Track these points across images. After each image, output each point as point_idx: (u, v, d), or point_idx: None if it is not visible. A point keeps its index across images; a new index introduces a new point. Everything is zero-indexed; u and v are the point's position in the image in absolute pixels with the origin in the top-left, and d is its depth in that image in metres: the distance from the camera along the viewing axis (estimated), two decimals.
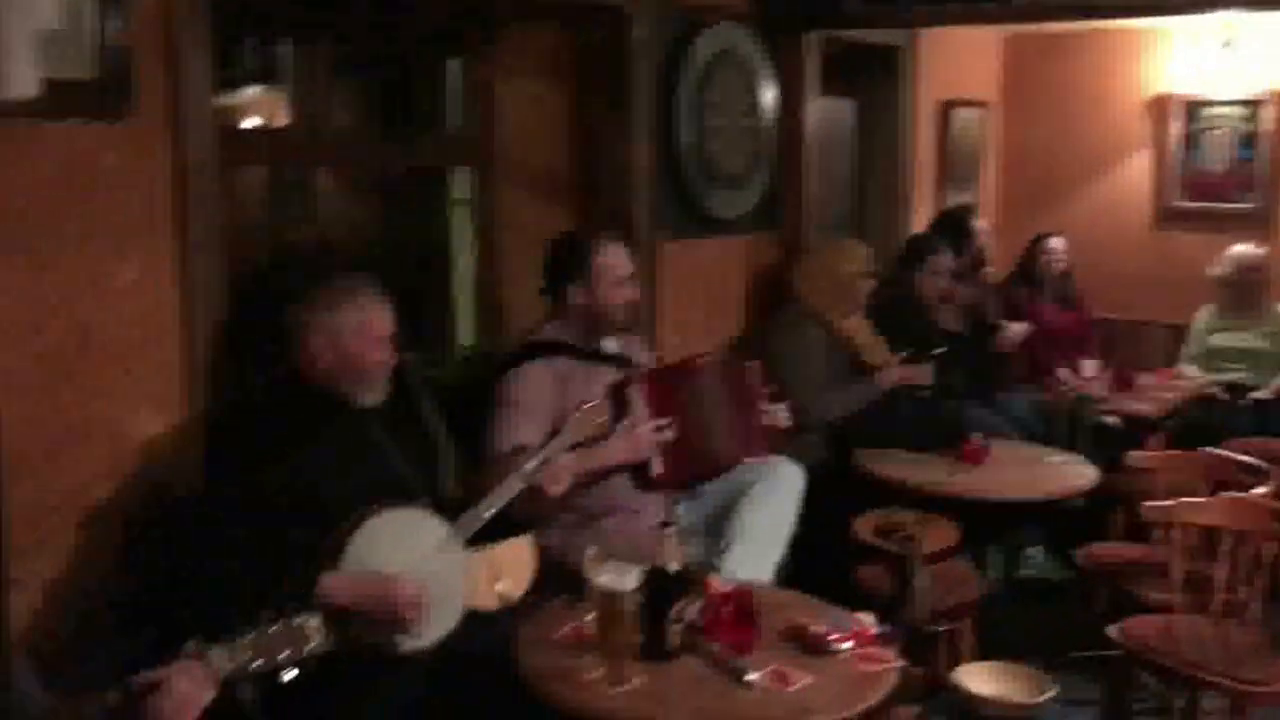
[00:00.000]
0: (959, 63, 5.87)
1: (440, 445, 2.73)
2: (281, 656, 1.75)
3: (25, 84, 1.34)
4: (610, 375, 3.06)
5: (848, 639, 2.34)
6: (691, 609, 2.31)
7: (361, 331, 2.49)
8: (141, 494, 2.44)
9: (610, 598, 2.21)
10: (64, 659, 2.23)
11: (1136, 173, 6.04)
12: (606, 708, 2.11)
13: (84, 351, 2.35)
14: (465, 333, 3.92)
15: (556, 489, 2.73)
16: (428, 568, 2.38)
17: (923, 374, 4.16)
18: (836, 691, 2.19)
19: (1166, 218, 5.98)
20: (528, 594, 2.64)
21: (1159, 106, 5.93)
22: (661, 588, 2.26)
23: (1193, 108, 5.84)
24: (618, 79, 3.70)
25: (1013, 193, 6.34)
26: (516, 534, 2.66)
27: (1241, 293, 5.24)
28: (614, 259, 3.08)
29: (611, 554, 2.38)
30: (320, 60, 3.36)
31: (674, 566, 2.27)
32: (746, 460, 3.16)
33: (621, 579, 2.22)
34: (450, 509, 2.53)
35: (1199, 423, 4.74)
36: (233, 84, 3.51)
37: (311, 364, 2.49)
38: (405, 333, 2.61)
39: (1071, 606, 3.96)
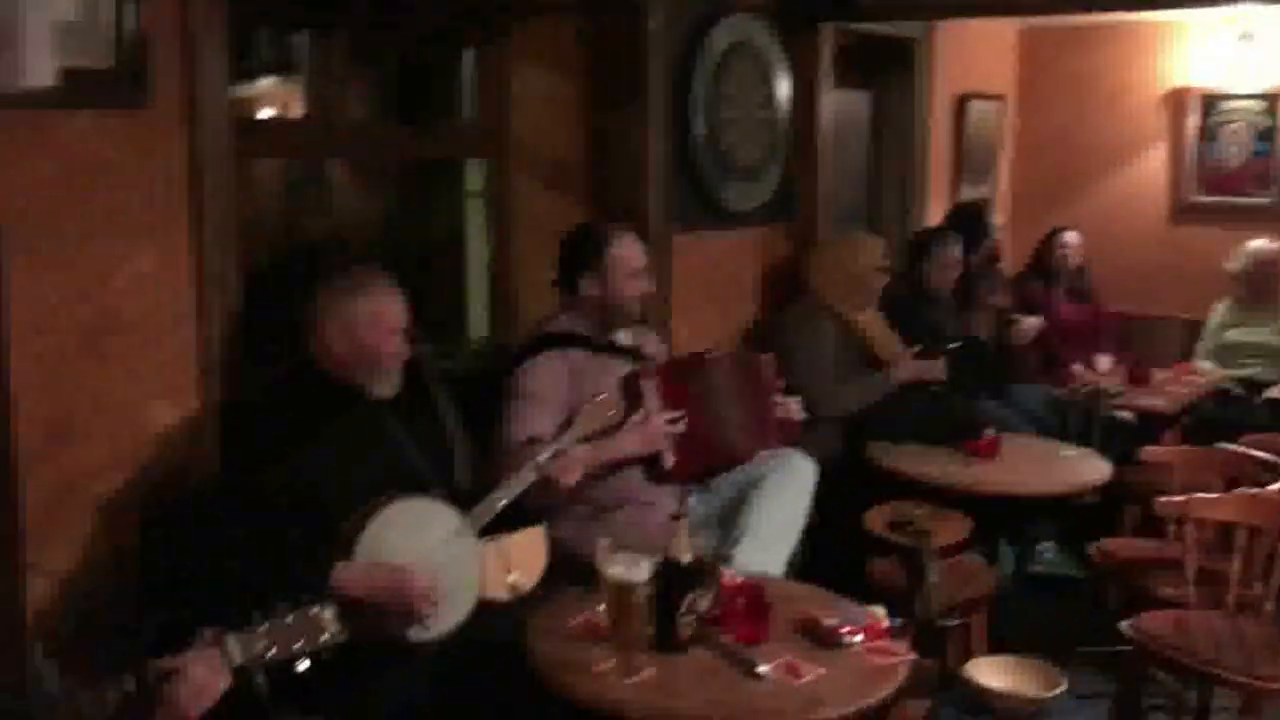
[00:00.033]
0: (974, 55, 5.84)
1: (453, 436, 2.74)
2: (296, 646, 1.76)
3: (42, 74, 1.34)
4: (623, 367, 3.07)
5: (859, 632, 2.34)
6: (703, 601, 2.31)
7: (375, 322, 2.49)
8: (156, 483, 2.46)
9: (622, 589, 2.21)
10: (79, 645, 2.25)
11: (1152, 167, 6.01)
12: (618, 699, 2.12)
13: (99, 341, 2.36)
14: (478, 324, 3.93)
15: (569, 480, 2.73)
16: (440, 558, 2.39)
17: (936, 369, 4.16)
18: (848, 684, 2.19)
19: (1182, 212, 5.95)
20: (540, 585, 2.65)
21: (1175, 100, 5.90)
22: (673, 579, 2.26)
23: (1209, 101, 5.81)
24: (632, 71, 3.69)
25: (1028, 186, 6.31)
26: (529, 525, 2.67)
27: (1258, 288, 5.21)
28: (628, 251, 3.08)
29: (623, 545, 2.39)
30: (335, 52, 3.36)
31: (686, 558, 2.27)
32: (759, 453, 3.17)
33: (633, 570, 2.22)
34: (463, 500, 2.54)
35: (1214, 418, 4.73)
36: (248, 75, 3.52)
37: (325, 355, 2.50)
38: (418, 324, 2.62)
39: (1084, 602, 3.95)
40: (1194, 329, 5.50)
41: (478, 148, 3.80)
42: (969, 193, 5.82)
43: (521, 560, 2.62)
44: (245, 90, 3.45)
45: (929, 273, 4.50)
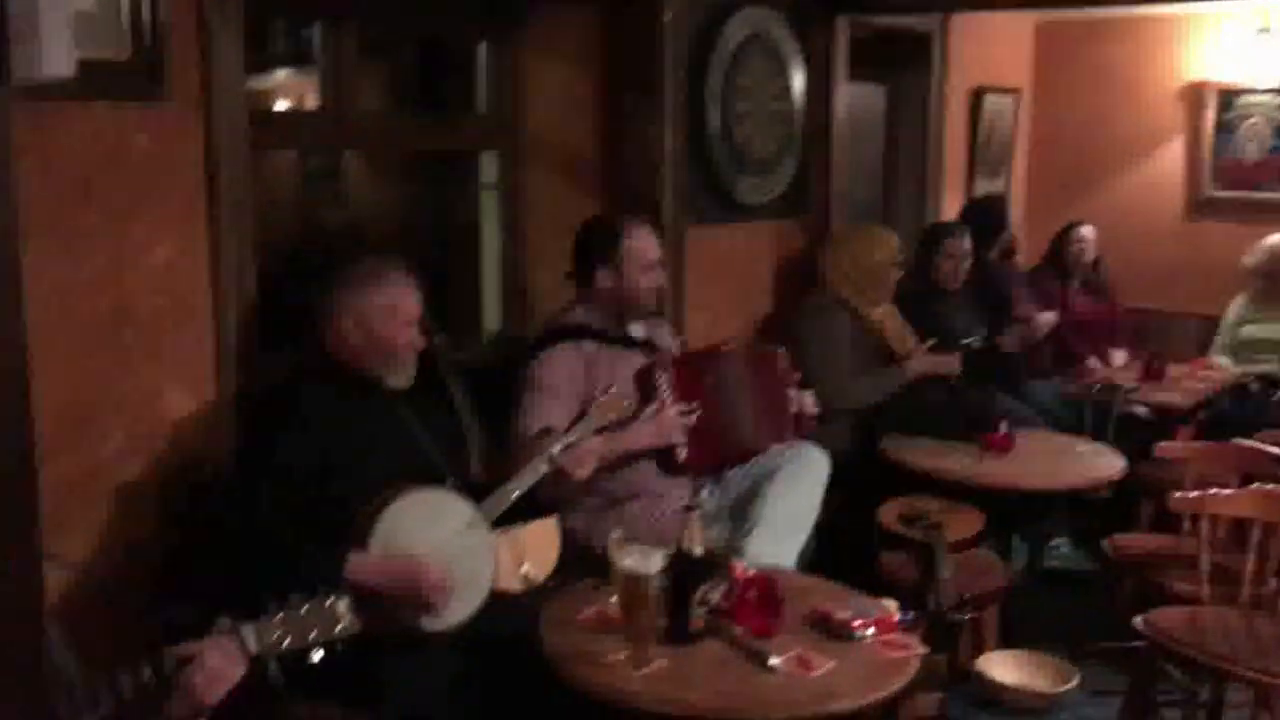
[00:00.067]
0: (990, 49, 5.82)
1: (467, 428, 2.75)
2: (311, 637, 1.77)
3: (61, 64, 1.35)
4: (637, 360, 3.07)
5: (871, 625, 2.34)
6: (715, 593, 2.32)
7: (390, 314, 2.50)
8: (173, 472, 2.47)
9: (634, 581, 2.22)
10: (97, 632, 2.27)
11: (1169, 161, 5.98)
12: (630, 690, 2.12)
13: (116, 330, 2.38)
14: (492, 316, 3.94)
15: (582, 472, 2.74)
16: (454, 548, 2.40)
17: (950, 364, 4.15)
18: (859, 677, 2.19)
19: (1199, 207, 5.93)
20: (552, 576, 2.66)
21: (1193, 94, 5.87)
22: (685, 571, 2.27)
23: (1227, 95, 5.77)
24: (647, 63, 3.69)
25: (1044, 180, 6.29)
26: (542, 516, 2.68)
27: (1275, 283, 5.18)
28: (643, 243, 3.09)
29: (636, 537, 2.40)
30: (350, 44, 3.37)
31: (698, 550, 2.28)
32: (772, 446, 3.17)
33: (646, 562, 2.23)
34: (476, 491, 2.55)
35: (1230, 414, 4.71)
36: (264, 67, 3.53)
37: (340, 345, 2.51)
38: (433, 316, 2.63)
39: (1097, 597, 3.94)
40: (1210, 324, 5.47)
41: (492, 140, 3.80)
42: (984, 187, 5.80)
43: (534, 551, 2.63)
44: (261, 82, 3.47)
45: (938, 266, 4.49)
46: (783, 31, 4.19)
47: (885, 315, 4.18)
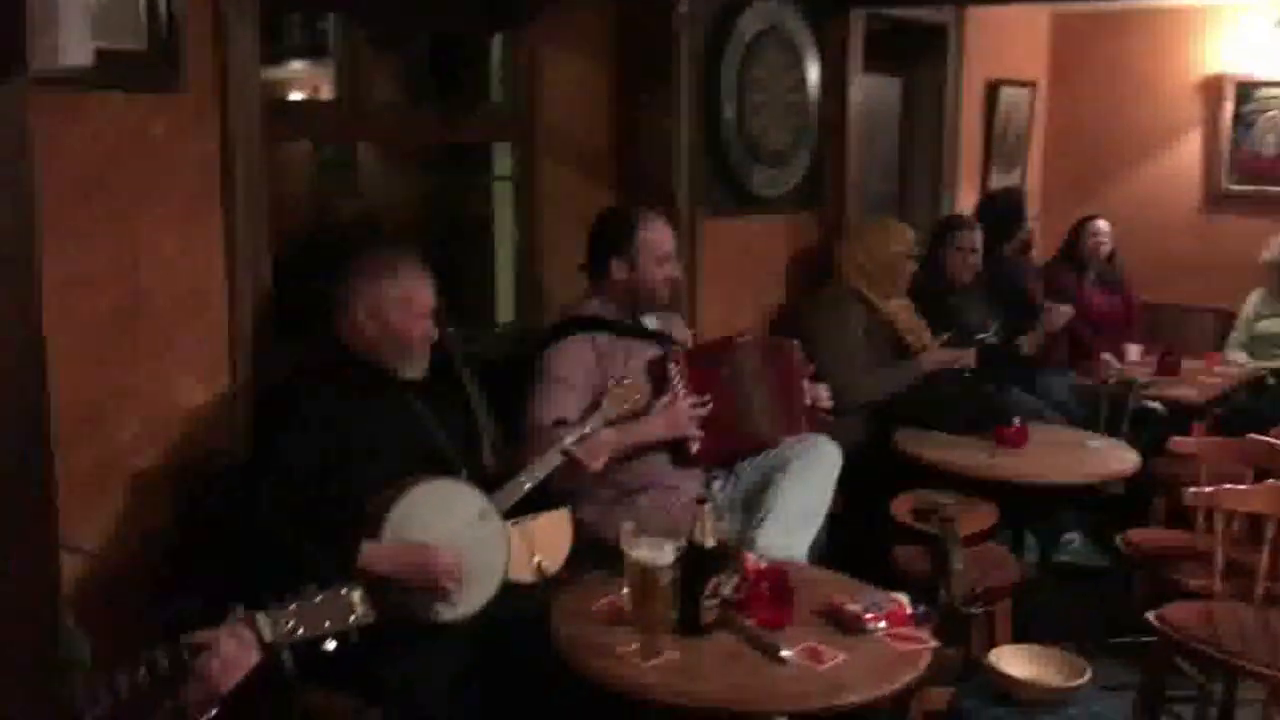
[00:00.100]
0: (1006, 41, 5.79)
1: (480, 419, 2.75)
2: (325, 626, 1.78)
3: (79, 54, 1.35)
4: (650, 351, 3.07)
5: (883, 618, 2.34)
6: (726, 585, 2.32)
7: (404, 305, 2.51)
8: (187, 462, 2.49)
9: (646, 572, 2.22)
10: (113, 620, 2.28)
11: (1186, 155, 5.95)
12: (641, 681, 2.12)
13: (132, 319, 2.39)
14: (505, 308, 3.94)
15: (596, 464, 2.75)
16: (466, 539, 2.40)
17: (965, 358, 4.14)
18: (870, 670, 2.19)
19: (1216, 201, 5.89)
20: (564, 567, 2.66)
21: (1210, 87, 5.83)
22: (697, 563, 2.27)
23: (1245, 88, 5.74)
24: (662, 55, 3.68)
25: (1059, 174, 6.26)
26: (554, 508, 2.69)
27: None
28: (658, 235, 3.09)
29: (647, 529, 2.40)
30: (364, 35, 3.38)
31: (710, 542, 2.28)
32: (785, 438, 3.17)
33: (657, 554, 2.23)
34: (489, 482, 2.56)
35: (1246, 409, 4.69)
36: (279, 58, 3.54)
37: (354, 336, 2.51)
38: (447, 307, 2.64)
39: (1110, 592, 3.93)
40: (1227, 319, 5.45)
41: (506, 132, 3.81)
42: (999, 180, 5.78)
43: (546, 542, 2.63)
44: (276, 73, 3.48)
45: (948, 260, 4.47)
46: (798, 23, 4.18)
47: (899, 308, 4.17)
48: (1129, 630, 3.24)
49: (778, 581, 2.37)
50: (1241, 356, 5.17)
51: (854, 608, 2.35)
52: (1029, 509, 3.96)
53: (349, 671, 2.14)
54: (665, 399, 2.98)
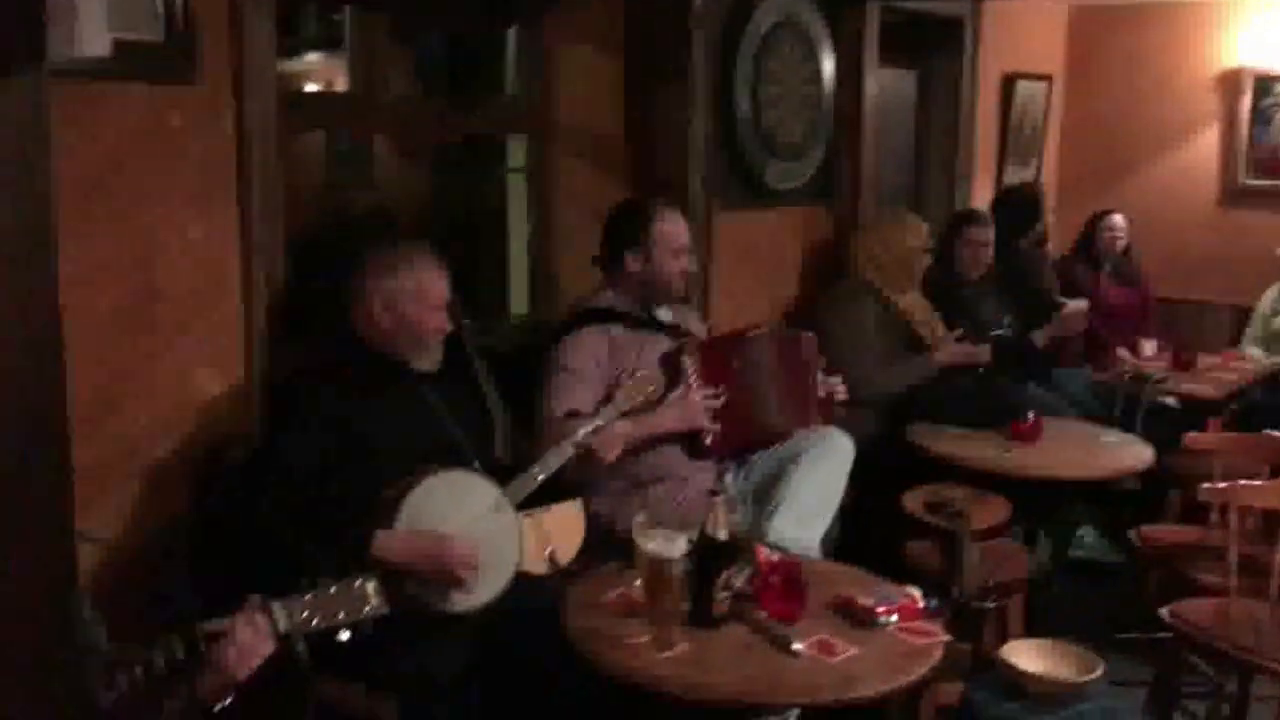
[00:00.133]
0: (1023, 34, 5.77)
1: (493, 410, 2.76)
2: (339, 617, 1.79)
3: (96, 44, 1.37)
4: (664, 344, 3.07)
5: (894, 612, 2.34)
6: (739, 578, 2.32)
7: (418, 297, 2.51)
8: (202, 451, 2.50)
9: (658, 564, 2.23)
10: (129, 608, 2.30)
11: (1203, 149, 5.92)
12: (653, 672, 2.13)
13: (147, 310, 2.40)
14: (519, 300, 3.95)
15: (610, 455, 2.75)
16: (480, 529, 2.41)
17: (979, 354, 4.13)
18: (882, 663, 2.19)
19: (1233, 196, 5.86)
20: (576, 559, 2.67)
21: (1228, 81, 5.80)
22: (709, 556, 2.27)
23: (1263, 82, 5.70)
24: (676, 48, 3.68)
25: (1075, 168, 6.24)
26: (567, 499, 2.69)
27: None
28: (673, 228, 3.09)
29: (660, 521, 2.40)
30: (379, 28, 3.38)
31: (722, 535, 2.28)
32: (798, 430, 3.17)
33: (670, 546, 2.23)
34: (502, 473, 2.56)
35: (1262, 405, 4.66)
36: (295, 50, 3.55)
37: (369, 328, 2.52)
38: (460, 299, 2.64)
39: (1123, 587, 3.92)
40: (1243, 315, 5.42)
41: (520, 124, 3.81)
42: (1015, 174, 5.76)
43: (559, 534, 2.64)
44: (292, 65, 3.49)
45: (959, 254, 4.46)
46: (813, 16, 4.18)
47: (913, 303, 4.16)
48: (1141, 626, 3.23)
49: (790, 574, 2.37)
50: (1258, 352, 5.15)
51: (866, 601, 2.36)
52: (1042, 504, 3.95)
53: (362, 661, 2.15)
54: (679, 391, 2.99)
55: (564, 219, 3.81)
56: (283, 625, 1.74)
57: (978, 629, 3.22)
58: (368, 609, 1.82)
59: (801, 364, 3.26)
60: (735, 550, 2.32)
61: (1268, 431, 3.54)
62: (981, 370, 4.14)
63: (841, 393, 3.28)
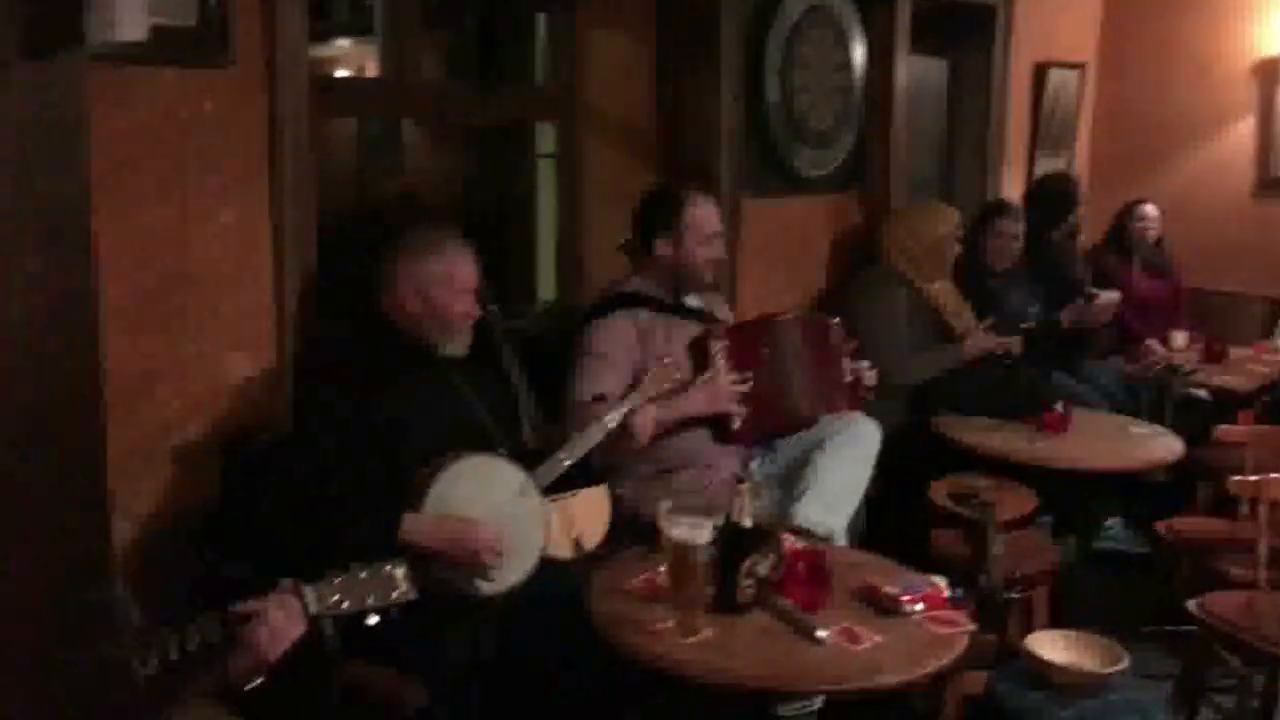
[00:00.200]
0: (1056, 22, 5.71)
1: (520, 396, 2.77)
2: (369, 601, 1.81)
3: (134, 29, 1.38)
4: (692, 329, 3.08)
5: (919, 600, 2.34)
6: (764, 565, 2.32)
7: (447, 282, 2.52)
8: (234, 433, 2.52)
9: (683, 550, 2.23)
10: (162, 588, 2.33)
11: (1239, 139, 5.84)
12: (677, 657, 2.14)
13: (180, 293, 2.42)
14: (546, 286, 3.96)
15: (644, 437, 2.77)
16: (506, 514, 2.43)
17: (1010, 345, 4.11)
18: (906, 652, 2.19)
19: (1269, 187, 5.78)
20: (602, 544, 2.68)
21: (1265, 70, 5.71)
22: (734, 542, 2.27)
23: None
24: (706, 34, 3.67)
25: (1108, 157, 6.17)
26: (592, 484, 2.71)
27: None
28: (704, 214, 3.09)
29: (685, 507, 2.41)
30: (410, 13, 3.39)
31: (747, 522, 2.28)
32: (825, 415, 3.17)
33: (695, 532, 2.24)
34: (528, 458, 2.58)
35: None
36: (326, 36, 3.56)
37: (398, 312, 2.54)
38: (489, 285, 2.65)
39: (1149, 579, 3.90)
40: (1276, 307, 5.37)
41: (550, 111, 3.82)
42: (1046, 163, 5.71)
43: (584, 519, 2.65)
44: (323, 51, 3.51)
45: (986, 246, 4.43)
46: (844, 3, 4.15)
47: (943, 291, 4.15)
48: (1168, 618, 3.21)
49: (815, 562, 2.37)
50: None
51: (891, 590, 2.35)
52: (1070, 495, 3.93)
53: (389, 644, 2.17)
54: (706, 375, 2.99)
55: (593, 205, 3.82)
56: (313, 607, 1.76)
57: (1003, 619, 3.21)
58: (396, 594, 1.84)
59: (829, 349, 3.26)
60: (760, 537, 2.32)
61: None
62: (1010, 361, 4.12)
63: (869, 378, 3.28)
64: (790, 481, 3.07)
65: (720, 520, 2.28)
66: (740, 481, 2.38)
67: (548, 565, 2.50)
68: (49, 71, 1.31)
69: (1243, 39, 5.76)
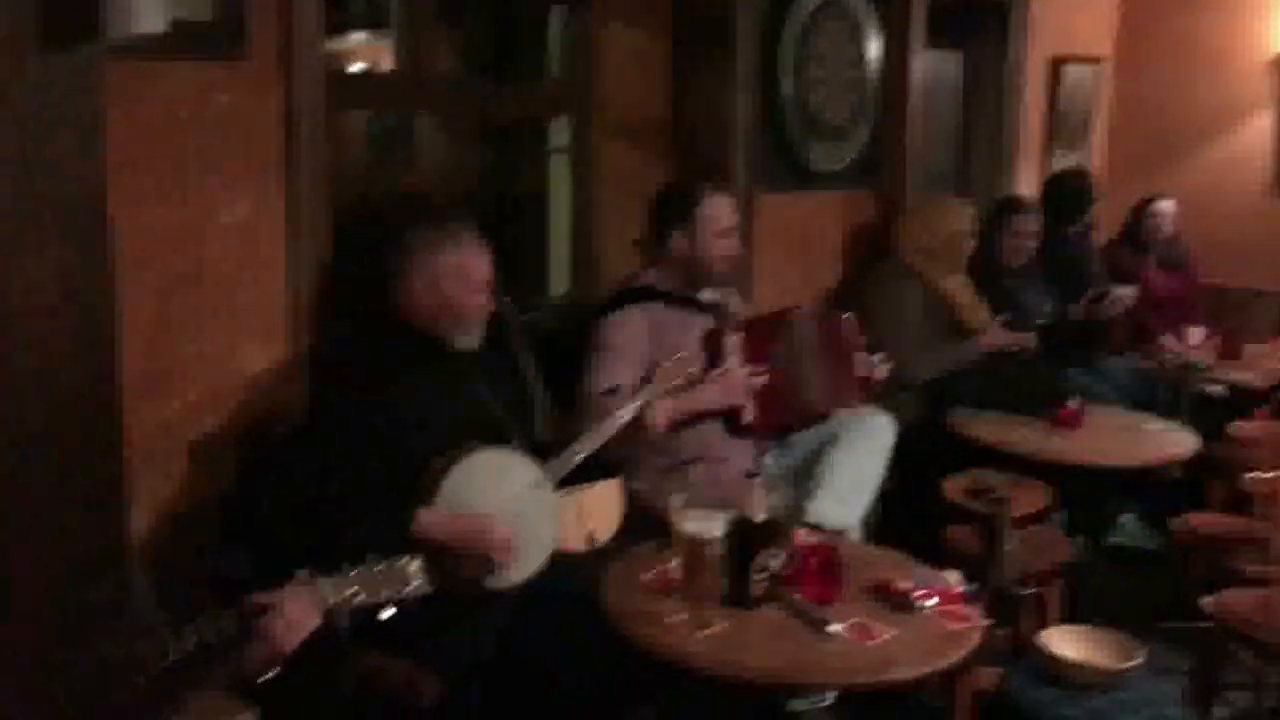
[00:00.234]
0: (1072, 17, 5.69)
1: (533, 390, 2.78)
2: (383, 595, 1.82)
3: (153, 21, 1.39)
4: (705, 324, 3.09)
5: (932, 596, 2.34)
6: (776, 559, 2.32)
7: (460, 275, 2.53)
8: (249, 426, 2.53)
9: (696, 544, 2.24)
10: (178, 579, 2.34)
11: (1256, 135, 5.81)
12: (689, 651, 2.14)
13: (195, 285, 2.43)
14: (559, 281, 3.96)
15: (660, 425, 2.78)
16: (519, 508, 2.43)
17: (1025, 340, 4.10)
18: (919, 647, 2.19)
19: None
20: (615, 537, 2.68)
21: None
22: (746, 537, 2.27)
23: None
24: (720, 28, 3.67)
25: (1124, 153, 6.15)
26: (606, 478, 2.71)
27: None
28: (718, 209, 3.10)
29: (698, 501, 2.41)
30: (425, 7, 3.40)
31: (760, 516, 2.29)
32: (838, 410, 3.17)
33: (707, 526, 2.24)
34: (541, 452, 2.58)
35: None
36: (341, 29, 3.56)
37: (411, 306, 2.54)
38: (502, 279, 2.66)
39: (1163, 576, 3.89)
40: None
41: (564, 105, 3.81)
42: (1061, 159, 5.69)
43: (598, 512, 2.66)
44: (338, 44, 3.51)
45: (1002, 243, 4.42)
46: None
47: (958, 287, 4.14)
48: (1182, 615, 3.20)
49: (827, 557, 2.38)
50: None
51: (904, 585, 2.35)
52: (1084, 490, 3.92)
53: (400, 636, 2.18)
54: (720, 369, 3.00)
55: (606, 200, 3.82)
56: (330, 600, 1.77)
57: (1015, 615, 3.21)
58: (411, 587, 1.85)
59: (842, 344, 3.26)
60: (772, 531, 2.32)
61: None
62: (1024, 357, 4.11)
63: (882, 373, 3.28)
64: (804, 477, 3.08)
65: (733, 514, 2.28)
66: (752, 476, 2.38)
67: (560, 558, 2.51)
68: (66, 64, 1.31)
69: (1260, 34, 5.73)
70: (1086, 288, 4.68)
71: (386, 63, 3.56)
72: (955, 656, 2.19)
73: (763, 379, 3.04)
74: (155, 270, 2.35)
